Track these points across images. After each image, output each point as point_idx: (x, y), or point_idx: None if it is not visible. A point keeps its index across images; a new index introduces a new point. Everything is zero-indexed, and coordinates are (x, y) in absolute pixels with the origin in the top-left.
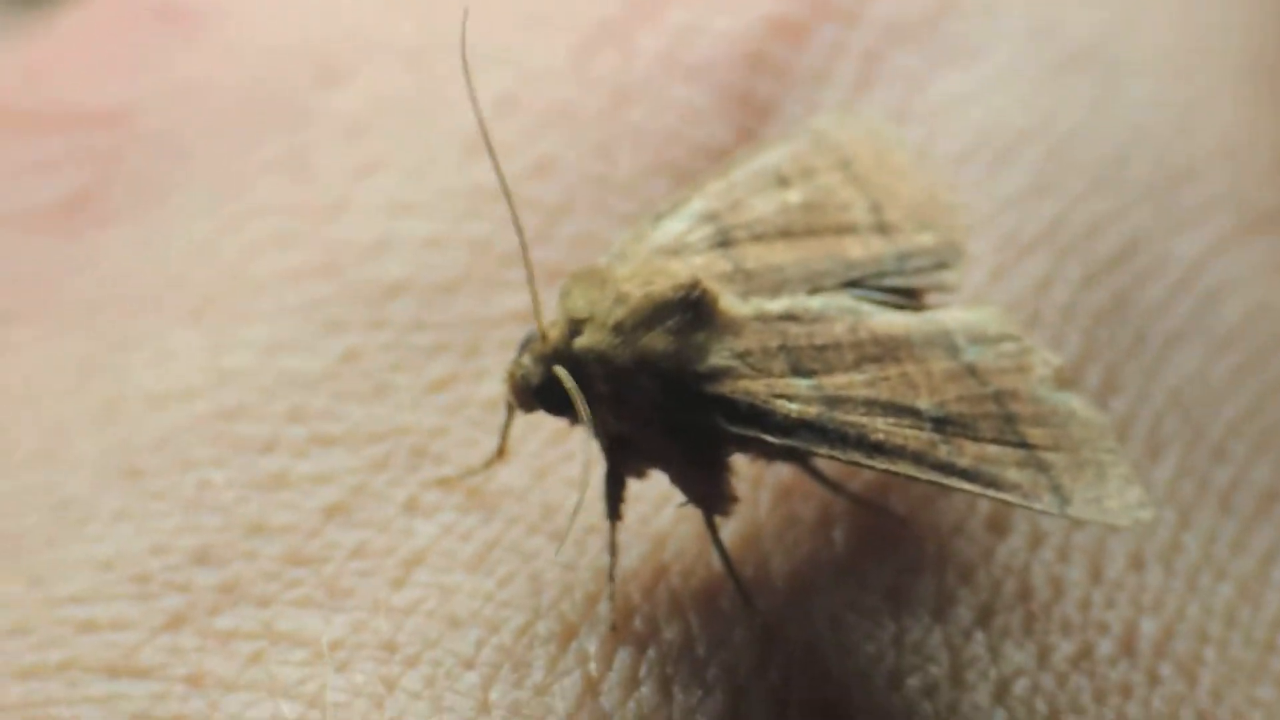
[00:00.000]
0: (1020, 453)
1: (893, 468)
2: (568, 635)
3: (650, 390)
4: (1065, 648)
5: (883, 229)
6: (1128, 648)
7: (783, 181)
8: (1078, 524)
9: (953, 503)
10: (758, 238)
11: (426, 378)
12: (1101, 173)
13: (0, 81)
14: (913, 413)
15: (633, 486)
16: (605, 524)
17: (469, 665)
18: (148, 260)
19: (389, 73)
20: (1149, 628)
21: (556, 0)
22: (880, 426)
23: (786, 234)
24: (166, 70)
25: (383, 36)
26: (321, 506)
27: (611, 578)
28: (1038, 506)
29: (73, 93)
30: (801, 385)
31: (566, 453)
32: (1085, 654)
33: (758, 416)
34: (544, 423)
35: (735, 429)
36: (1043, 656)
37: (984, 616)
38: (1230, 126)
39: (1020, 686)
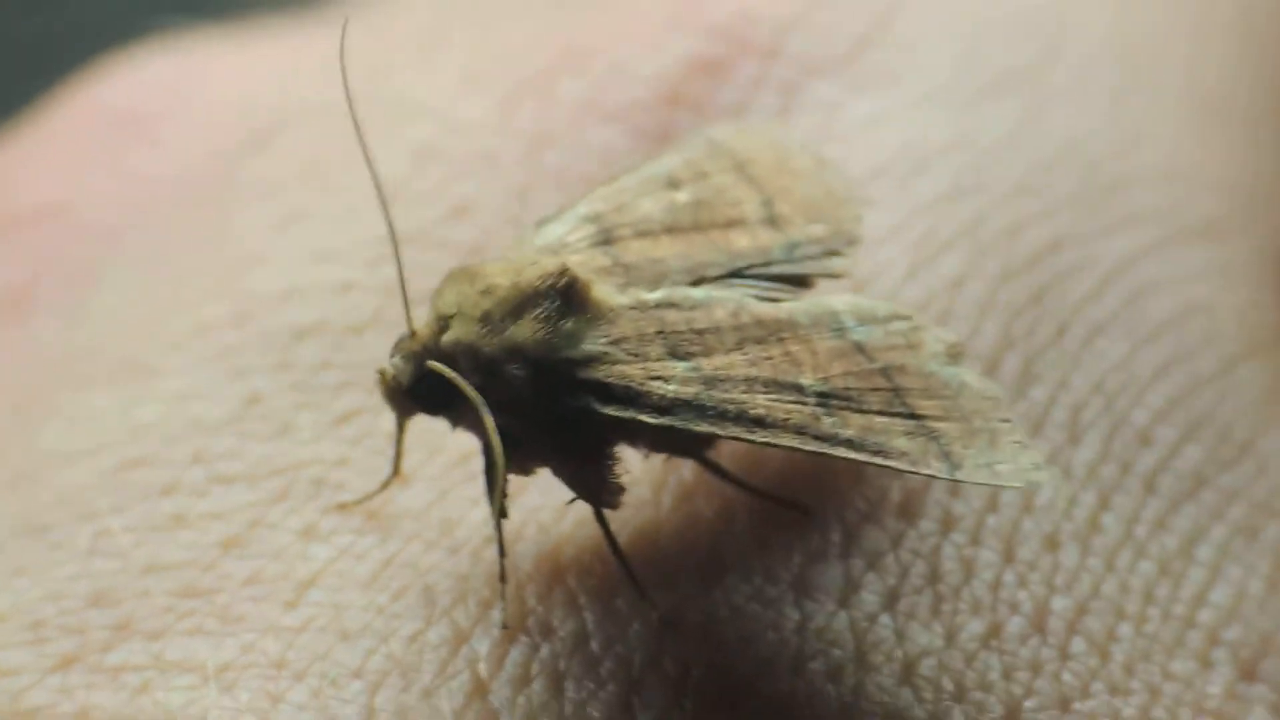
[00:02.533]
0: (909, 423)
1: (774, 440)
2: (459, 640)
3: (522, 379)
4: (974, 627)
5: (773, 221)
6: (1039, 625)
7: (673, 184)
8: (972, 490)
9: (862, 492)
10: (641, 234)
11: (330, 414)
12: (1025, 180)
13: None
14: (795, 389)
15: (533, 488)
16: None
17: (357, 675)
18: (71, 339)
19: (311, 133)
20: (1061, 605)
21: (492, 57)
22: (761, 402)
23: (671, 230)
24: (110, 167)
25: (307, 100)
26: (218, 541)
27: (502, 578)
28: (925, 472)
29: (20, 194)
30: (679, 367)
31: (469, 473)
32: (994, 633)
33: (633, 399)
34: (446, 445)
35: (611, 412)
36: (950, 636)
37: (891, 600)
38: (1168, 149)
39: (927, 666)
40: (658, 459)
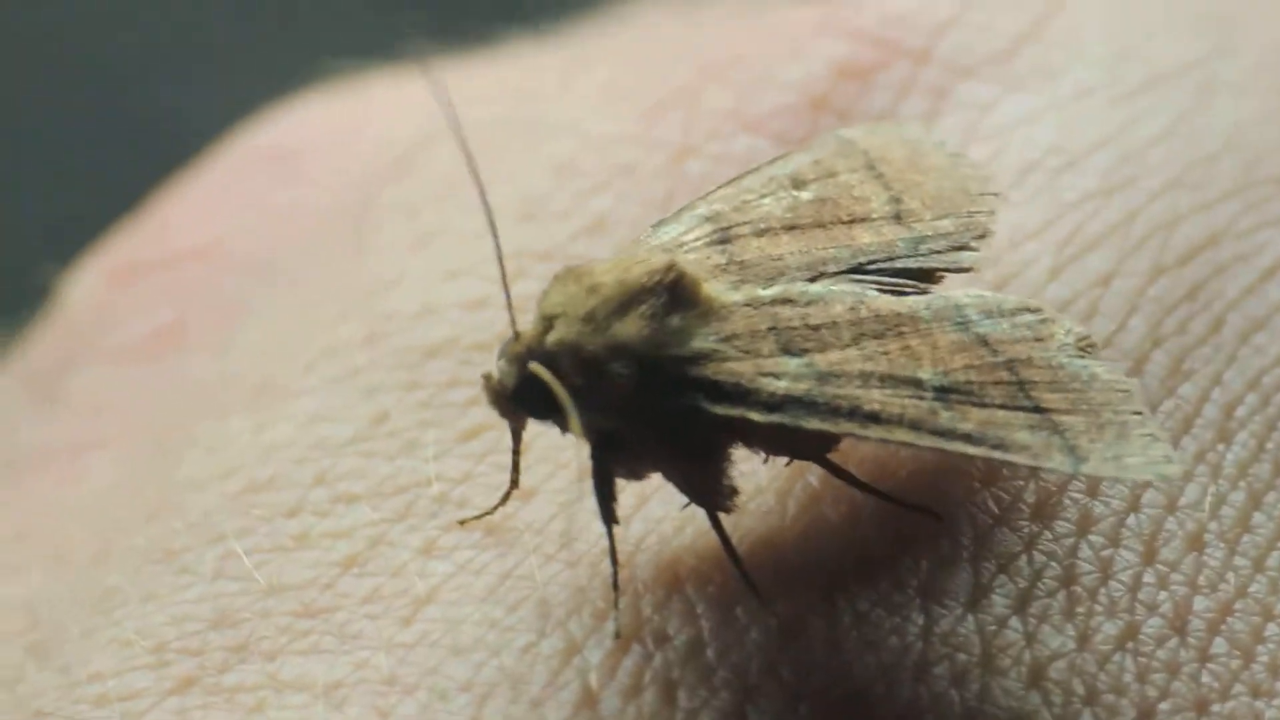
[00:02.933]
0: (1033, 416)
1: (889, 436)
2: (571, 651)
3: (627, 377)
4: (1109, 629)
5: (899, 217)
6: (1178, 627)
7: (798, 183)
8: (1108, 484)
9: (995, 495)
10: (760, 233)
11: (455, 431)
12: (1181, 175)
13: (139, 238)
14: (913, 383)
15: (654, 499)
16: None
17: (466, 688)
18: (213, 370)
19: (448, 158)
20: (1203, 605)
21: (633, 75)
22: (876, 398)
23: (792, 227)
24: (257, 205)
25: (444, 125)
26: (339, 560)
27: (615, 586)
28: (1048, 465)
29: (173, 237)
30: (791, 364)
31: (590, 486)
32: (1130, 634)
33: (742, 396)
34: (570, 460)
35: (719, 410)
36: (1083, 639)
37: (1022, 603)
38: None
39: (1057, 669)
40: (782, 465)
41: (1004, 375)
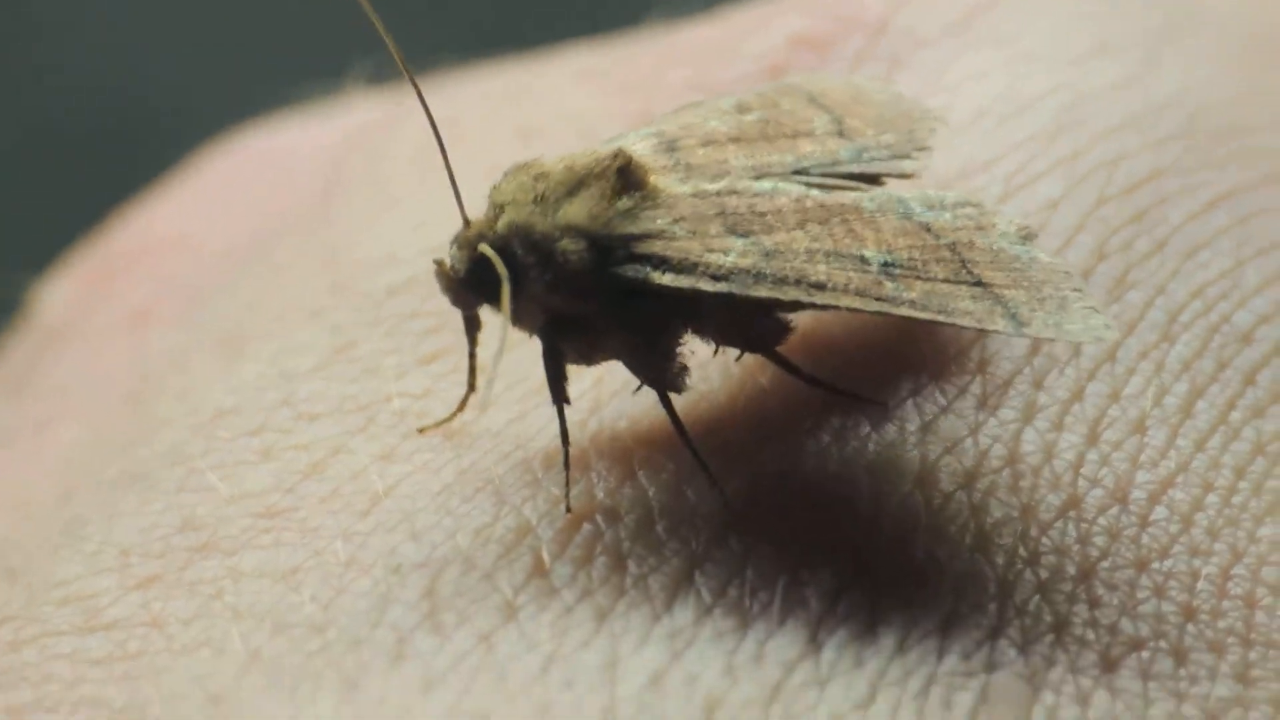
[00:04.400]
0: (976, 289)
1: (835, 302)
2: (524, 530)
3: (577, 253)
4: (1052, 499)
5: (842, 133)
6: (1120, 497)
7: (743, 109)
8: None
9: (941, 387)
10: (706, 143)
11: (416, 355)
12: (1127, 120)
13: (114, 240)
14: (859, 259)
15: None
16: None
17: (421, 565)
18: (187, 335)
19: (419, 132)
20: (1145, 479)
21: (608, 61)
22: (822, 270)
23: (737, 140)
24: (236, 197)
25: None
26: (300, 469)
27: (566, 465)
28: (991, 328)
29: (152, 228)
30: (738, 243)
31: (549, 398)
32: (1073, 504)
33: (691, 269)
34: (530, 375)
35: (668, 281)
36: (1027, 509)
37: (968, 480)
38: None
39: (1000, 535)
40: (734, 361)
41: (946, 254)
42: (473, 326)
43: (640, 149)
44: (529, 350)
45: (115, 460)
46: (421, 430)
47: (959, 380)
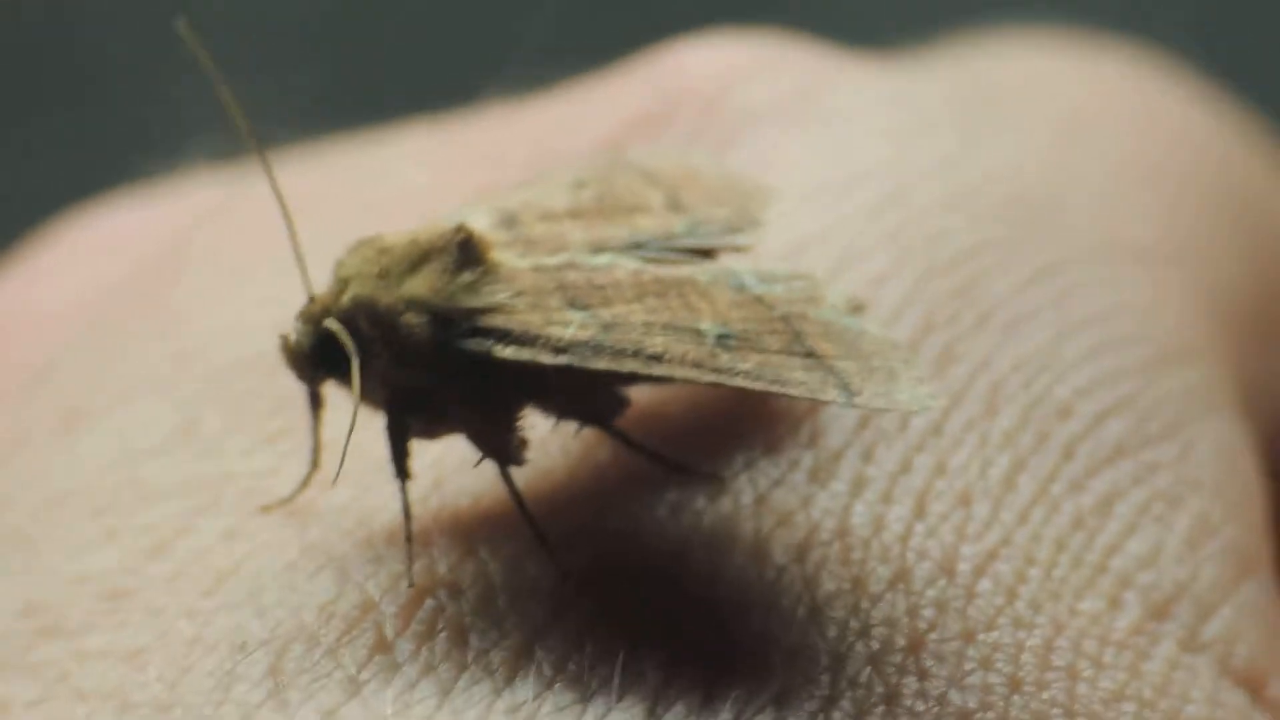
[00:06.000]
0: (808, 360)
1: (672, 374)
2: (367, 606)
3: (420, 326)
4: (882, 571)
5: (677, 207)
6: (947, 570)
7: (579, 185)
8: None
9: (774, 461)
10: (544, 218)
11: (263, 432)
12: (951, 199)
13: None
14: (694, 332)
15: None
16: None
17: (265, 642)
18: (25, 410)
19: (262, 205)
20: (971, 552)
21: (453, 146)
22: (659, 342)
23: (575, 214)
24: (78, 277)
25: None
26: (144, 548)
27: (408, 539)
28: (823, 398)
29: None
30: (577, 315)
31: (391, 473)
32: (902, 577)
33: (531, 340)
34: (374, 451)
35: (509, 352)
36: (858, 582)
37: (800, 553)
38: (1103, 187)
39: (834, 608)
40: (570, 436)
41: (779, 326)
42: (316, 403)
43: (481, 224)
44: (371, 427)
45: None
46: (266, 508)
47: (791, 453)
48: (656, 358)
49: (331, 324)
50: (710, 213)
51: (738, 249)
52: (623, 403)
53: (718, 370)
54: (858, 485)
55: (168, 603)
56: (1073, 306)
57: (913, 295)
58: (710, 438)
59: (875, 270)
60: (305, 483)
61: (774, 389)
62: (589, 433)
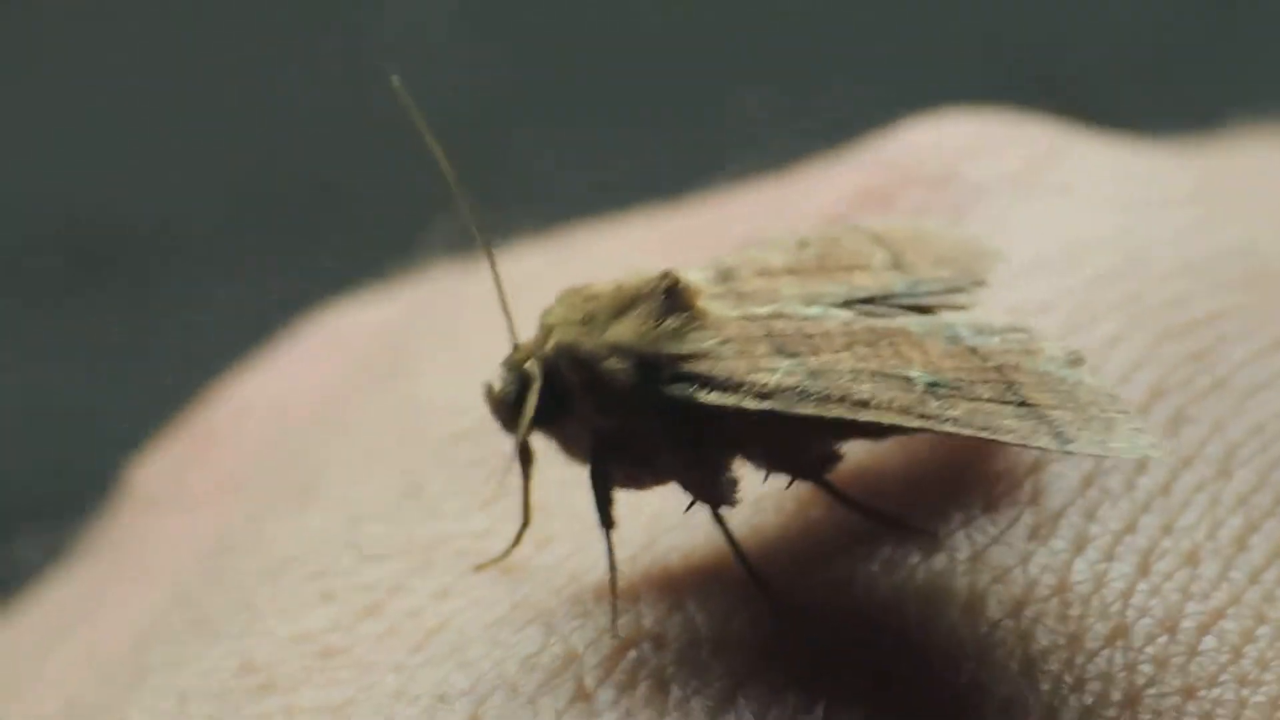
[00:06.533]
0: (1021, 409)
1: (878, 419)
2: (570, 658)
3: (623, 372)
4: (1100, 628)
5: (899, 266)
6: (1169, 627)
7: (802, 245)
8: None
9: (992, 518)
10: (761, 273)
11: (479, 497)
12: (1189, 266)
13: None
14: (903, 380)
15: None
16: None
17: (466, 693)
18: (266, 498)
19: (482, 294)
20: (1195, 609)
21: (664, 230)
22: (866, 389)
23: (793, 271)
24: (311, 374)
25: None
26: (358, 609)
27: (613, 589)
28: (1035, 445)
29: (250, 399)
30: (785, 363)
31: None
32: (1120, 633)
33: (735, 387)
34: (586, 510)
35: (714, 398)
36: (1074, 638)
37: (1016, 608)
38: None
39: (1049, 662)
40: (784, 493)
41: (993, 376)
42: (526, 459)
43: (694, 277)
44: (586, 488)
45: (185, 612)
46: (479, 567)
47: (1011, 511)
48: (863, 403)
49: (530, 368)
50: (932, 272)
51: (957, 308)
52: (835, 456)
53: (925, 416)
54: (1079, 543)
55: (376, 659)
56: None
57: (1145, 358)
58: (927, 496)
59: (1106, 333)
60: (516, 540)
61: (983, 435)
62: (803, 490)
